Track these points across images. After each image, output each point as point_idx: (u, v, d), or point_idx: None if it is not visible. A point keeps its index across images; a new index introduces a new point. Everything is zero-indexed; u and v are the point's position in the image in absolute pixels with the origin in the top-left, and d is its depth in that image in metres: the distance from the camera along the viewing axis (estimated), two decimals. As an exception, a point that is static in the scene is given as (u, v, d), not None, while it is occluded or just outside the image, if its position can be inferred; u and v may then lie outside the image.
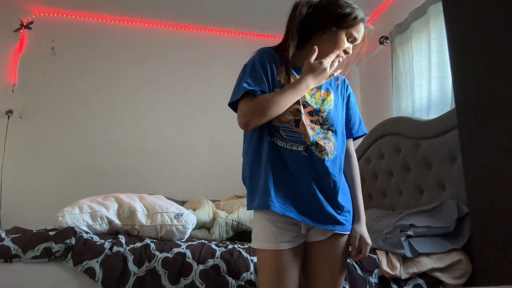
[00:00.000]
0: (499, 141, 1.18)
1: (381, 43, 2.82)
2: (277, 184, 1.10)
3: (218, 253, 1.42)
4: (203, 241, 1.57)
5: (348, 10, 1.15)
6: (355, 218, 1.22)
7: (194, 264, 1.37)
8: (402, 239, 1.47)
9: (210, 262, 1.38)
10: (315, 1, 1.20)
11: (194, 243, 1.52)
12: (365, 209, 2.34)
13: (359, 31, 1.18)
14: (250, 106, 1.09)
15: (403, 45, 2.50)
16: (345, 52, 1.18)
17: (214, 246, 1.48)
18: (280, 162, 1.12)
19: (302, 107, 1.16)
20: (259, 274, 1.13)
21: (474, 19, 1.28)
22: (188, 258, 1.39)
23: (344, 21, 1.14)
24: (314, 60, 1.12)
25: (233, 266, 1.38)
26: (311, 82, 1.11)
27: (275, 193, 1.09)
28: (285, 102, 1.10)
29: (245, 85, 1.10)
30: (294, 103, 1.13)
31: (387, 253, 1.51)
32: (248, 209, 1.19)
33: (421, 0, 2.31)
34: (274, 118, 1.13)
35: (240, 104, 1.13)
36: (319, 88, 1.23)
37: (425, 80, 2.24)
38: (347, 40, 1.17)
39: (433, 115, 2.06)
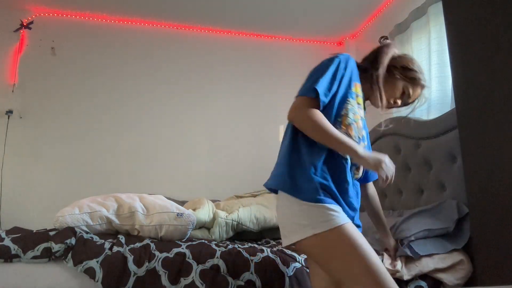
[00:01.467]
0: (499, 141, 1.18)
1: (381, 43, 2.82)
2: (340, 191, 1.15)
3: (218, 253, 1.42)
4: (203, 241, 1.57)
5: (416, 69, 1.34)
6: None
7: (194, 264, 1.37)
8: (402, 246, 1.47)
9: (210, 262, 1.38)
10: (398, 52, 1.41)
11: (194, 243, 1.52)
12: (365, 209, 2.33)
13: (415, 91, 1.34)
14: (306, 112, 1.12)
15: (403, 45, 2.50)
16: (395, 101, 1.34)
17: (214, 246, 1.48)
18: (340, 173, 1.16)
19: (359, 127, 1.23)
20: (339, 257, 1.05)
21: (474, 19, 1.28)
22: (188, 258, 1.39)
23: (409, 74, 1.31)
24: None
25: (233, 266, 1.38)
26: (363, 155, 1.12)
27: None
28: (331, 142, 1.12)
29: (319, 88, 1.12)
30: (359, 117, 1.22)
31: None
32: (310, 201, 1.10)
33: (421, 0, 2.31)
34: (343, 125, 1.17)
35: (303, 99, 1.15)
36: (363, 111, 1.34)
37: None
38: (403, 91, 1.33)
39: (433, 115, 2.06)
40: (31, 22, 2.94)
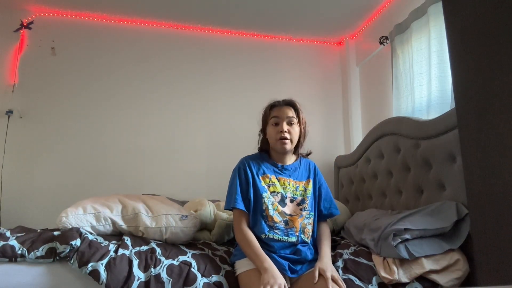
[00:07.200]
0: (499, 141, 1.18)
1: (381, 43, 2.82)
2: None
3: (223, 271, 1.43)
4: (208, 253, 1.57)
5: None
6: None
7: (199, 275, 1.37)
8: (395, 242, 1.45)
9: (214, 278, 1.39)
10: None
11: (198, 252, 1.52)
12: (365, 209, 2.34)
13: (279, 111, 1.62)
14: (236, 226, 1.48)
15: (403, 45, 2.50)
16: (281, 133, 1.60)
17: (219, 262, 1.48)
18: (271, 248, 1.43)
19: (285, 208, 1.49)
20: None
21: (474, 19, 1.28)
22: (193, 268, 1.39)
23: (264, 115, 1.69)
24: None
25: (235, 287, 1.38)
26: (265, 274, 1.29)
27: None
28: (248, 256, 1.41)
29: (236, 204, 1.47)
30: (277, 204, 1.48)
31: (383, 258, 1.50)
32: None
33: (421, 0, 2.31)
34: (269, 218, 1.46)
35: (233, 211, 1.52)
36: (300, 179, 1.58)
37: (425, 80, 2.24)
38: (274, 123, 1.62)
39: (433, 115, 2.06)
40: (31, 22, 2.94)
